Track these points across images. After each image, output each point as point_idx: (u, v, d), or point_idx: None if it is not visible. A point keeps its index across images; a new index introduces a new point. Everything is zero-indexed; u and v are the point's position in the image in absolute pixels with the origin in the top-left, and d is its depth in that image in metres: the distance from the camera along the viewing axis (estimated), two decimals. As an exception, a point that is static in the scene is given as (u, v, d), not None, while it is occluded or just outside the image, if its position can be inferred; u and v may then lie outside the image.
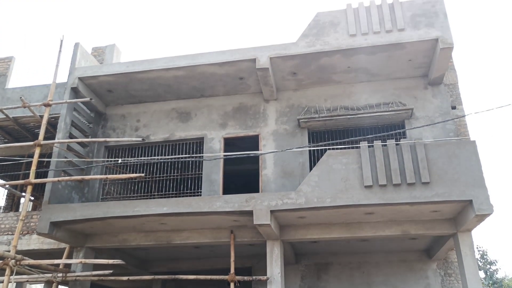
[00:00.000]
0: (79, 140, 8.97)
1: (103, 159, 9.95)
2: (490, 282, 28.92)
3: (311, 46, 9.08)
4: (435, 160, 7.48)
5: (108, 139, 9.14)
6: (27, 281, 8.67)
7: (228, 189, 10.25)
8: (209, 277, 8.32)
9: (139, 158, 9.38)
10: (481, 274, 29.36)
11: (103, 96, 10.48)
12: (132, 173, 10.69)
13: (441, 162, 7.45)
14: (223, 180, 9.68)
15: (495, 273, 29.63)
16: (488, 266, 29.63)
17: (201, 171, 9.83)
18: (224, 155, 9.30)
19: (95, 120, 10.55)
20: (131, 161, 9.59)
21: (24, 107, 8.73)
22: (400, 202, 7.38)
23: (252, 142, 10.04)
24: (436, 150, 7.58)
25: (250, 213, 7.79)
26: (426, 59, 9.13)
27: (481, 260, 29.70)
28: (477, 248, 30.36)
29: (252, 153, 8.67)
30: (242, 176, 12.22)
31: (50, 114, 9.01)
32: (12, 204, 12.00)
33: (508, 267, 50.09)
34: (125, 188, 11.18)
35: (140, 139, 8.85)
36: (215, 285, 10.49)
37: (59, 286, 8.59)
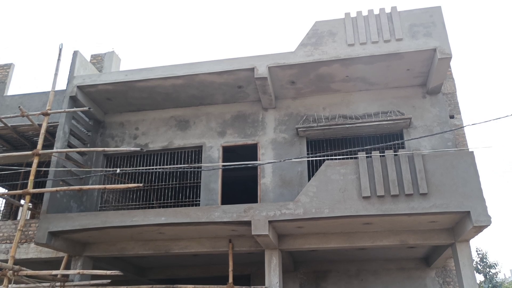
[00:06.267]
0: (78, 149, 8.96)
1: (101, 169, 9.94)
2: (490, 285, 28.88)
3: (309, 55, 9.09)
4: (433, 171, 7.49)
5: (107, 149, 9.14)
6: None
7: (227, 195, 10.26)
8: (207, 286, 8.30)
9: (138, 168, 9.37)
10: (481, 277, 29.33)
11: (102, 104, 10.48)
12: (131, 181, 10.71)
13: (439, 173, 7.46)
14: (222, 187, 9.69)
15: (494, 276, 29.58)
16: (488, 269, 29.57)
17: (200, 179, 9.83)
18: (223, 165, 9.30)
19: (93, 128, 10.55)
20: (129, 170, 9.59)
21: (23, 116, 8.72)
22: (398, 213, 7.39)
23: (251, 148, 10.04)
24: (434, 161, 7.59)
25: (248, 223, 7.80)
26: (424, 68, 9.14)
27: (481, 264, 29.65)
28: (476, 251, 30.32)
29: (250, 163, 8.67)
30: (241, 182, 12.24)
31: (48, 123, 8.99)
32: (11, 212, 11.99)
33: (508, 270, 50.13)
34: (123, 197, 11.18)
35: (139, 148, 8.85)
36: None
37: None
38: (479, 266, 29.45)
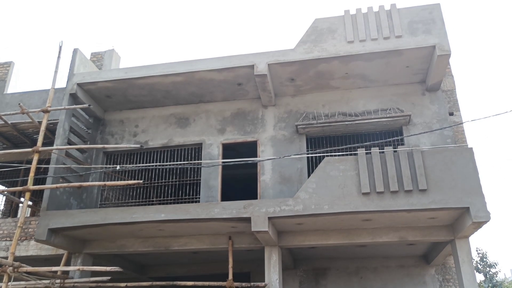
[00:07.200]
0: (78, 146, 8.99)
1: (101, 166, 9.96)
2: (490, 285, 28.87)
3: (309, 52, 9.10)
4: (432, 167, 7.50)
5: (106, 146, 9.15)
6: (25, 287, 8.67)
7: (227, 193, 10.27)
8: (207, 283, 8.31)
9: (138, 165, 9.38)
10: (481, 277, 29.31)
11: (102, 101, 10.49)
12: (131, 178, 10.72)
13: (438, 169, 7.48)
14: (222, 185, 9.69)
15: (495, 275, 29.56)
16: (488, 269, 29.55)
17: (200, 177, 9.84)
18: (223, 162, 9.31)
19: (93, 126, 10.56)
20: (129, 167, 9.60)
21: (23, 113, 8.72)
22: (397, 209, 7.40)
23: (251, 146, 10.06)
24: (433, 157, 7.60)
25: (248, 220, 7.81)
26: (423, 65, 9.15)
27: (481, 263, 29.63)
28: (476, 250, 30.30)
29: (250, 160, 8.68)
30: (240, 180, 12.23)
31: (48, 120, 9.00)
32: (11, 209, 12.00)
33: (508, 269, 50.12)
34: (123, 194, 11.19)
35: (138, 145, 8.86)
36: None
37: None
38: (479, 266, 29.42)
